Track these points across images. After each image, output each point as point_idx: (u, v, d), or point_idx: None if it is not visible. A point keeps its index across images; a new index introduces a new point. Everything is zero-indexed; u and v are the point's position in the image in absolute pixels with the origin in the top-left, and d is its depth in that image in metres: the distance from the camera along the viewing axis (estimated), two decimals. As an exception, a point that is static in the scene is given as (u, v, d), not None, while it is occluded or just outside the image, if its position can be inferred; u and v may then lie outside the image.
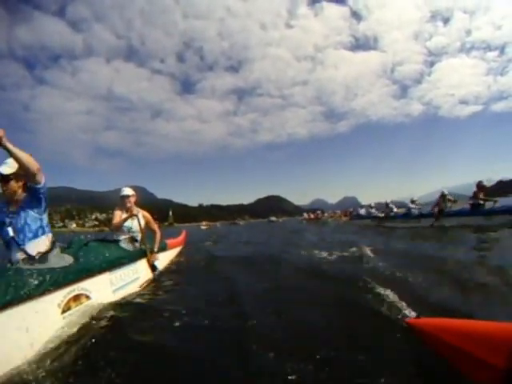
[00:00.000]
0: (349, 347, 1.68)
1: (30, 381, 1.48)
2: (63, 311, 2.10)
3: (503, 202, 9.70)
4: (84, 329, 2.03)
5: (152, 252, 3.91)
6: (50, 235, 2.41)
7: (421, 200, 14.35)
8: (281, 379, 1.45)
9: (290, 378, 1.45)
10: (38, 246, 2.26)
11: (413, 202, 12.93)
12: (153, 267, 3.83)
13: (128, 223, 3.76)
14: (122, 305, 2.61)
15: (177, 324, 2.15)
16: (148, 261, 3.81)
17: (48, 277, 1.99)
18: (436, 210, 10.52)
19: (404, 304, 2.19)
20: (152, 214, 4.22)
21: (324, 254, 5.15)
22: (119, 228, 3.72)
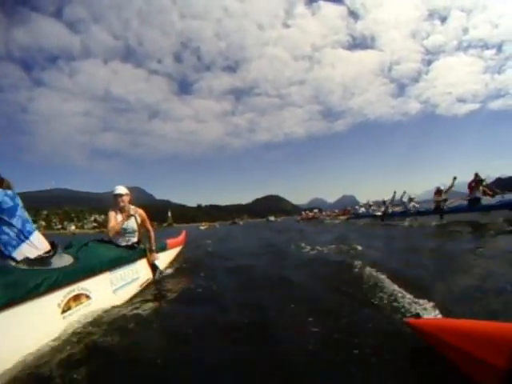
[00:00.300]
0: (348, 347, 1.68)
1: (30, 380, 1.48)
2: (63, 311, 2.10)
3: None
4: (84, 329, 2.03)
5: (151, 251, 3.84)
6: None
7: (419, 198, 14.42)
8: (281, 379, 1.45)
9: (290, 377, 1.46)
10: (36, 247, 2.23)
11: (411, 200, 13.02)
12: (153, 267, 3.79)
13: (125, 222, 3.65)
14: (122, 305, 2.62)
15: (177, 324, 2.16)
16: (148, 260, 3.75)
17: (48, 277, 1.99)
18: (433, 206, 10.65)
19: (403, 304, 2.19)
20: (150, 215, 4.09)
21: (317, 250, 5.16)
22: (117, 232, 3.57)
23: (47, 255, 2.23)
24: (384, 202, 15.57)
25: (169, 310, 2.48)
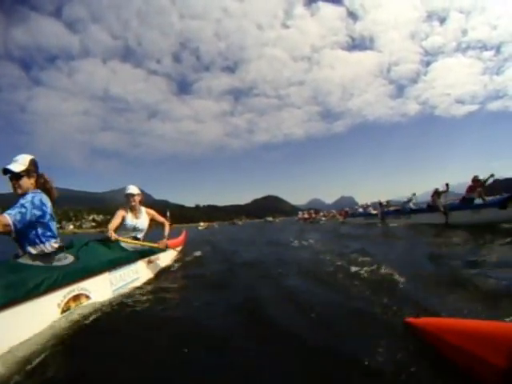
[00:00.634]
0: (348, 347, 1.69)
1: (30, 380, 1.47)
2: (63, 311, 2.10)
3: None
4: (83, 329, 2.02)
5: (161, 240, 4.00)
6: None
7: (418, 199, 14.49)
8: (281, 379, 1.46)
9: (289, 377, 1.46)
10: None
11: (409, 200, 13.09)
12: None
13: (132, 222, 3.77)
14: (121, 305, 2.61)
15: (177, 324, 2.15)
16: (161, 244, 3.95)
17: (48, 276, 1.99)
18: (429, 204, 10.74)
19: (403, 303, 2.20)
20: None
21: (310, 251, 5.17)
22: (114, 230, 3.58)
23: (52, 251, 2.30)
24: (380, 203, 15.72)
25: (169, 311, 2.47)
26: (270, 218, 53.43)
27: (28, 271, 1.98)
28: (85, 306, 2.34)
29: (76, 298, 2.27)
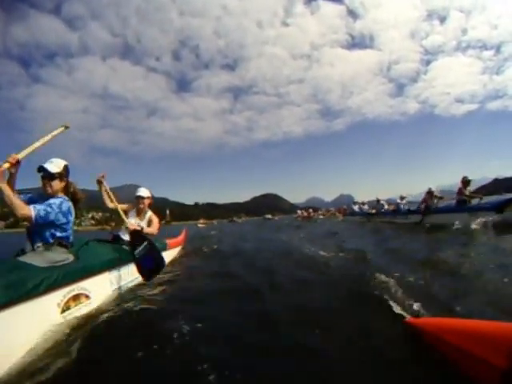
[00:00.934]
0: (348, 347, 1.69)
1: (29, 380, 1.47)
2: (63, 311, 2.10)
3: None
4: (83, 328, 2.02)
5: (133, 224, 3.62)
6: None
7: (415, 198, 14.56)
8: (281, 379, 1.46)
9: (290, 377, 1.46)
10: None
11: (402, 198, 13.18)
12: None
13: (136, 221, 3.77)
14: (121, 305, 2.61)
15: (177, 324, 2.15)
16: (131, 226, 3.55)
17: (48, 276, 1.98)
18: (423, 206, 10.66)
19: (403, 303, 2.20)
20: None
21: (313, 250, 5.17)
22: (107, 204, 3.61)
23: (56, 251, 2.32)
24: (378, 201, 15.86)
25: (169, 311, 2.47)
26: (269, 216, 53.41)
27: (28, 271, 1.97)
28: (85, 305, 2.34)
29: (76, 297, 2.26)
